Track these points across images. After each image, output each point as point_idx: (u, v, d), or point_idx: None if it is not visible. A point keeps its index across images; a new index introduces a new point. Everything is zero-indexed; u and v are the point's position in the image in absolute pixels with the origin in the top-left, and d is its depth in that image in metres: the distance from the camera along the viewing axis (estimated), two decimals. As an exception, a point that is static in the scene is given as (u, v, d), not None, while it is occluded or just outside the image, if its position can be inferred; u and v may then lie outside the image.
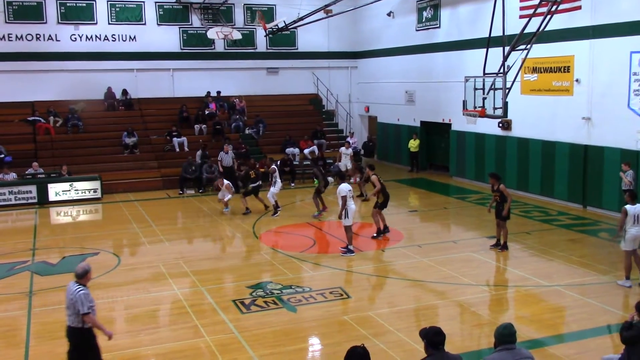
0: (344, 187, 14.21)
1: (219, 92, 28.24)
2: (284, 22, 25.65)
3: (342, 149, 23.80)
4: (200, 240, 16.62)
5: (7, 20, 25.49)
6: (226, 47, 28.78)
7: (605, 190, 17.82)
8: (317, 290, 11.84)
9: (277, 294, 11.63)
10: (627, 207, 11.64)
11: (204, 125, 26.45)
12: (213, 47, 28.62)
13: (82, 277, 7.60)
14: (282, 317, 10.54)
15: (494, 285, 12.43)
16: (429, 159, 26.87)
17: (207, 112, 27.09)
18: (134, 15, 27.33)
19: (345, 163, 23.03)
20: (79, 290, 7.43)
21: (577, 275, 12.58)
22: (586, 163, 18.38)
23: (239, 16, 29.02)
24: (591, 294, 11.41)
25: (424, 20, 25.79)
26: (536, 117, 20.00)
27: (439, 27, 24.88)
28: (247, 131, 26.97)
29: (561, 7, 16.31)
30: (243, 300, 11.31)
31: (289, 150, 25.39)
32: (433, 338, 5.50)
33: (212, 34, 26.32)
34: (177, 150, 25.09)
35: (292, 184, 23.75)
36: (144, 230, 17.07)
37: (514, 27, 17.16)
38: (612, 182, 17.41)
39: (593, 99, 18.06)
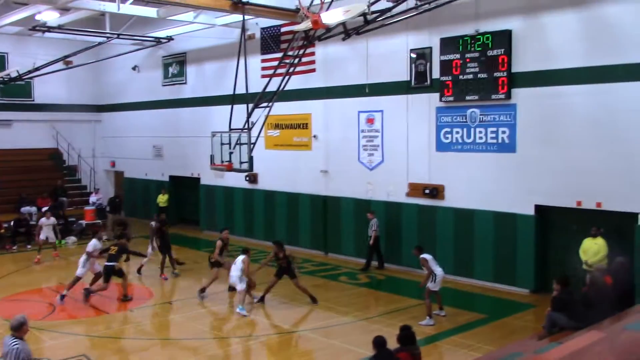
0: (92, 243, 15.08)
1: (-62, 146, 25.03)
2: (17, 71, 23.80)
3: (43, 219, 19.94)
4: None
5: None
6: (-53, 96, 25.75)
7: (343, 237, 19.32)
8: (58, 360, 10.86)
9: (11, 369, 10.40)
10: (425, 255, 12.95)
11: None
12: None
13: (18, 330, 7.38)
14: (17, 395, 9.43)
15: (246, 336, 12.59)
16: (179, 213, 26.60)
17: None
18: None
19: (47, 235, 19.64)
20: (14, 344, 7.26)
21: (321, 318, 13.33)
22: (326, 212, 19.80)
23: (-37, 63, 26.25)
24: (335, 335, 12.15)
25: (170, 75, 25.91)
26: (281, 170, 21.09)
27: (186, 82, 25.19)
28: (-26, 189, 24.21)
29: (298, 69, 17.55)
30: (-32, 381, 9.92)
31: (25, 209, 23.29)
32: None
33: None
34: None
35: (29, 246, 21.66)
36: None
37: (257, 85, 18.02)
38: (349, 229, 18.99)
39: (329, 153, 19.66)
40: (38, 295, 15.60)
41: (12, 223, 21.91)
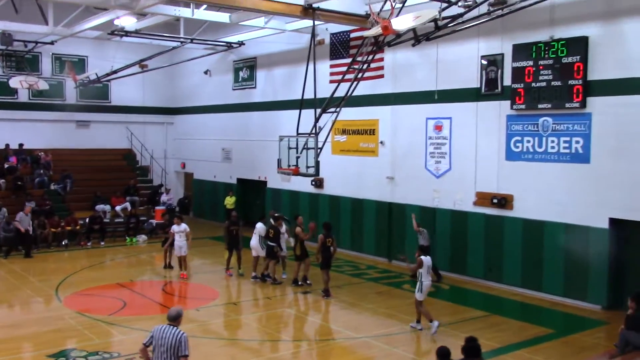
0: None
1: (21, 145, 26.27)
2: (96, 74, 24.78)
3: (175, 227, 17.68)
4: (-7, 306, 15.06)
5: None
6: (31, 98, 27.03)
7: (408, 245, 19.13)
8: (126, 355, 11.18)
9: (82, 361, 10.83)
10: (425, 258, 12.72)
11: (3, 180, 24.35)
12: (16, 97, 26.73)
13: (176, 320, 7.57)
14: (87, 386, 9.81)
15: (307, 339, 12.65)
16: (245, 216, 26.93)
17: (6, 166, 25.01)
18: None
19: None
20: (183, 333, 7.46)
21: (383, 326, 13.23)
22: (391, 219, 19.67)
23: (46, 65, 27.47)
24: (397, 344, 12.04)
25: (240, 79, 26.38)
26: (346, 176, 21.10)
27: (255, 87, 25.58)
28: (52, 187, 25.27)
29: (366, 74, 17.57)
30: (42, 370, 10.37)
31: (99, 207, 24.17)
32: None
33: (15, 82, 24.59)
34: (-30, 207, 22.74)
35: (102, 243, 22.54)
36: None
37: (325, 90, 18.13)
38: (414, 236, 18.77)
39: (395, 160, 19.52)
40: (109, 291, 16.13)
41: (87, 220, 22.80)
